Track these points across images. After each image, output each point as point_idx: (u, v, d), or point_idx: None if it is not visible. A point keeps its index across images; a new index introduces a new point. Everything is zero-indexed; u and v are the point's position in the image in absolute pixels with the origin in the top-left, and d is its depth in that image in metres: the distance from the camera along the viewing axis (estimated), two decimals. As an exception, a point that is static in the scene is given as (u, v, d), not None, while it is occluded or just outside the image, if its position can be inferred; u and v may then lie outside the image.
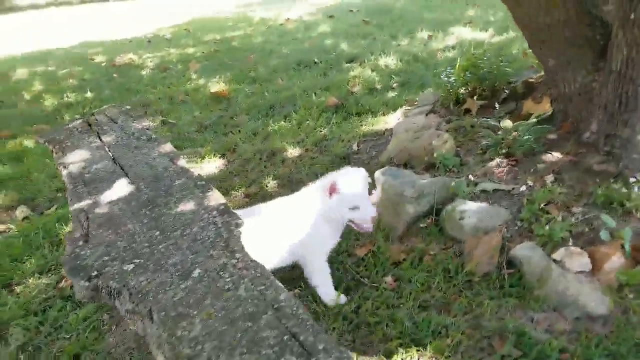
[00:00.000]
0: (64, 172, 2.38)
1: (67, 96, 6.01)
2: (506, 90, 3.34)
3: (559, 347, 1.74)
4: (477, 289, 2.06)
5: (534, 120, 2.77)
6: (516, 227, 2.24)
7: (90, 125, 2.90)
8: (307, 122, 4.17)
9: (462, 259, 2.21)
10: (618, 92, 2.43)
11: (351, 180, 2.04)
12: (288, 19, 10.18)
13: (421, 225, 2.47)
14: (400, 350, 1.86)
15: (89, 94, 5.94)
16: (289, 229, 2.12)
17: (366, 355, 1.90)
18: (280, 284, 1.43)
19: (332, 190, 2.00)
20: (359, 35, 7.72)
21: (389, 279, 2.23)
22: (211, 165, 3.70)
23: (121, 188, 2.12)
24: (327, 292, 2.15)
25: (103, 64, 7.67)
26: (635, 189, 2.17)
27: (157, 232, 1.78)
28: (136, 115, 2.99)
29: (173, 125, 4.54)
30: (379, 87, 4.97)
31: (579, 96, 2.75)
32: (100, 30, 11.64)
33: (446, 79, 3.54)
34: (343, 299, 2.16)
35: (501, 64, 3.44)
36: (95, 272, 1.63)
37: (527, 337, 1.79)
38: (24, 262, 2.78)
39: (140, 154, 2.41)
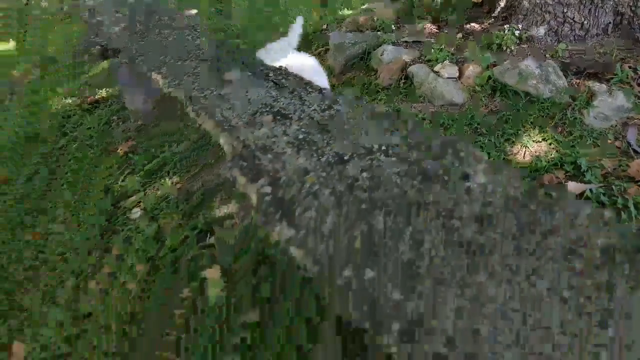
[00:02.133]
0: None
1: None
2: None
3: (422, 117, 2.51)
4: (380, 94, 2.82)
5: (458, -3, 3.47)
6: (420, 60, 2.97)
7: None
8: None
9: (376, 78, 2.97)
10: (513, -33, 3.11)
11: None
12: None
13: (355, 65, 3.21)
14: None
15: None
16: None
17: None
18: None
19: None
20: None
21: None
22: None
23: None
24: None
25: None
26: (506, 31, 2.88)
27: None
28: None
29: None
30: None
31: (495, -21, 3.43)
32: None
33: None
34: None
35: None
36: (105, 43, 2.44)
37: (400, 112, 2.55)
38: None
39: None
